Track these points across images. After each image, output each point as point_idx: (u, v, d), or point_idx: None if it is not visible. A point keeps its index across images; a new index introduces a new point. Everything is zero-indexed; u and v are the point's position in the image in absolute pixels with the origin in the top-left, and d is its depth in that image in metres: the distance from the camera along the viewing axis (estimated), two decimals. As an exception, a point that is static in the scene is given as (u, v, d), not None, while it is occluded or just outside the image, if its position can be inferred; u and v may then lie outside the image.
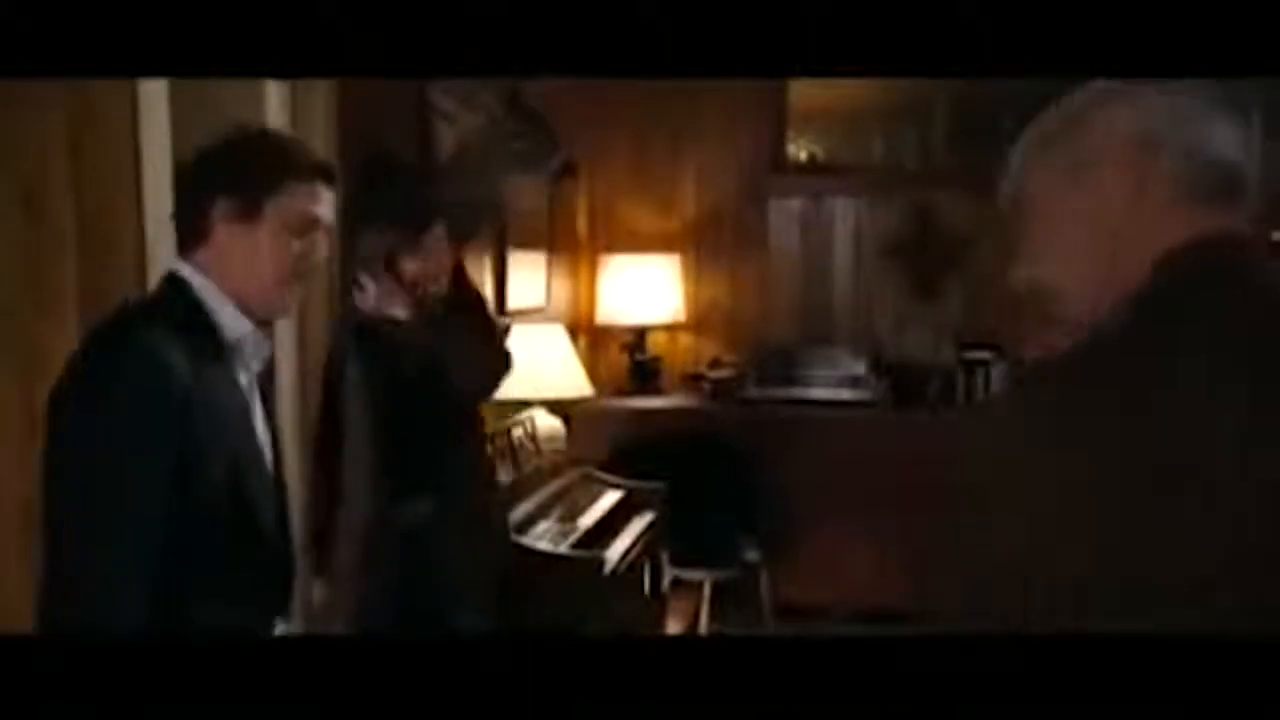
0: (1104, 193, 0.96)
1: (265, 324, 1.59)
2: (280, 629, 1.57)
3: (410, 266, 2.40)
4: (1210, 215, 0.93)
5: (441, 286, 2.44)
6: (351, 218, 2.59)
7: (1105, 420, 0.86)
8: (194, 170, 1.52)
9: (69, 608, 1.35)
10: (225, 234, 1.47)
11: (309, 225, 1.50)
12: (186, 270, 1.49)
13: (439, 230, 2.41)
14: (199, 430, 1.38)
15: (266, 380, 1.64)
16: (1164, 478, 0.83)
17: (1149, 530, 0.83)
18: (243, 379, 1.52)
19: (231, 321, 1.48)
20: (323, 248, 1.54)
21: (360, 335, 2.45)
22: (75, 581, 1.35)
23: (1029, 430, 0.91)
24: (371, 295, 2.44)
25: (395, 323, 2.44)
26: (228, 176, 1.47)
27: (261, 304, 1.51)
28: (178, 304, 1.47)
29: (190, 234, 1.50)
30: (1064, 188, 0.99)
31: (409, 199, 2.52)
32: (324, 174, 1.53)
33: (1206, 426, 0.83)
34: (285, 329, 2.69)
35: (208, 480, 1.39)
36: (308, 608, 2.57)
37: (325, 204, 1.53)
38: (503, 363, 2.66)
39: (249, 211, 1.46)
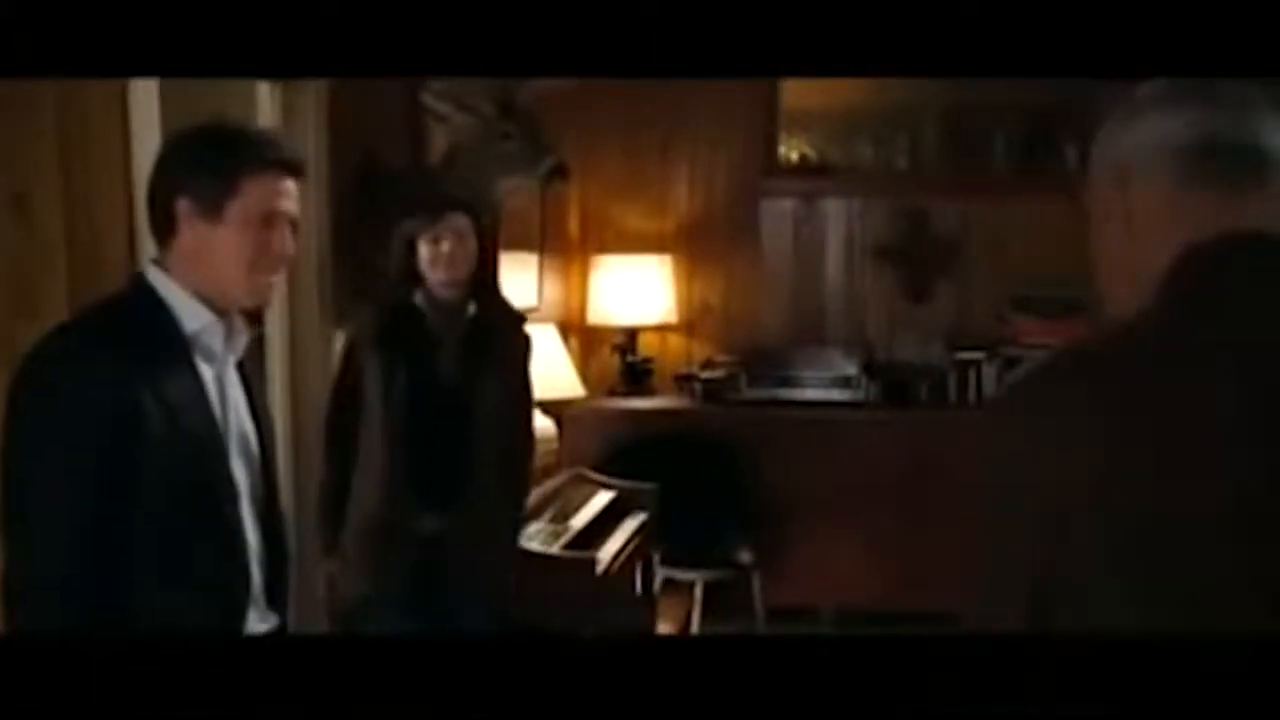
0: (1131, 197, 0.97)
1: (248, 313, 1.59)
2: (255, 619, 1.56)
3: (427, 251, 2.40)
4: (1240, 205, 0.93)
5: (460, 277, 2.42)
6: (371, 211, 2.59)
7: (1126, 415, 0.86)
8: (157, 170, 1.52)
9: (6, 605, 1.37)
10: (190, 231, 1.48)
11: (272, 220, 1.50)
12: (151, 268, 1.50)
13: (458, 219, 2.41)
14: (144, 424, 1.38)
15: (254, 370, 1.64)
16: (1176, 471, 0.83)
17: (1172, 526, 0.83)
18: (206, 371, 1.51)
19: (190, 314, 1.48)
20: (289, 240, 1.54)
21: (383, 332, 2.43)
22: (9, 579, 1.38)
23: (1047, 428, 0.91)
24: (392, 279, 2.44)
25: (418, 316, 2.43)
26: (187, 176, 1.48)
27: (229, 298, 1.52)
28: (136, 301, 1.48)
29: (159, 232, 1.51)
30: (1105, 185, 1.00)
31: (435, 190, 2.52)
32: (286, 167, 1.53)
33: (1222, 421, 0.84)
34: (277, 327, 2.69)
35: (153, 473, 1.40)
36: (307, 597, 2.56)
37: (288, 197, 1.52)
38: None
39: (210, 210, 1.47)
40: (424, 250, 2.41)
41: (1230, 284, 0.91)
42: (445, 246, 2.39)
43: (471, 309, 2.47)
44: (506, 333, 2.57)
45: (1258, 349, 0.86)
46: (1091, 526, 0.85)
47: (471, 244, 2.43)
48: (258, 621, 1.56)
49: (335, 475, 2.48)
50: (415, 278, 2.44)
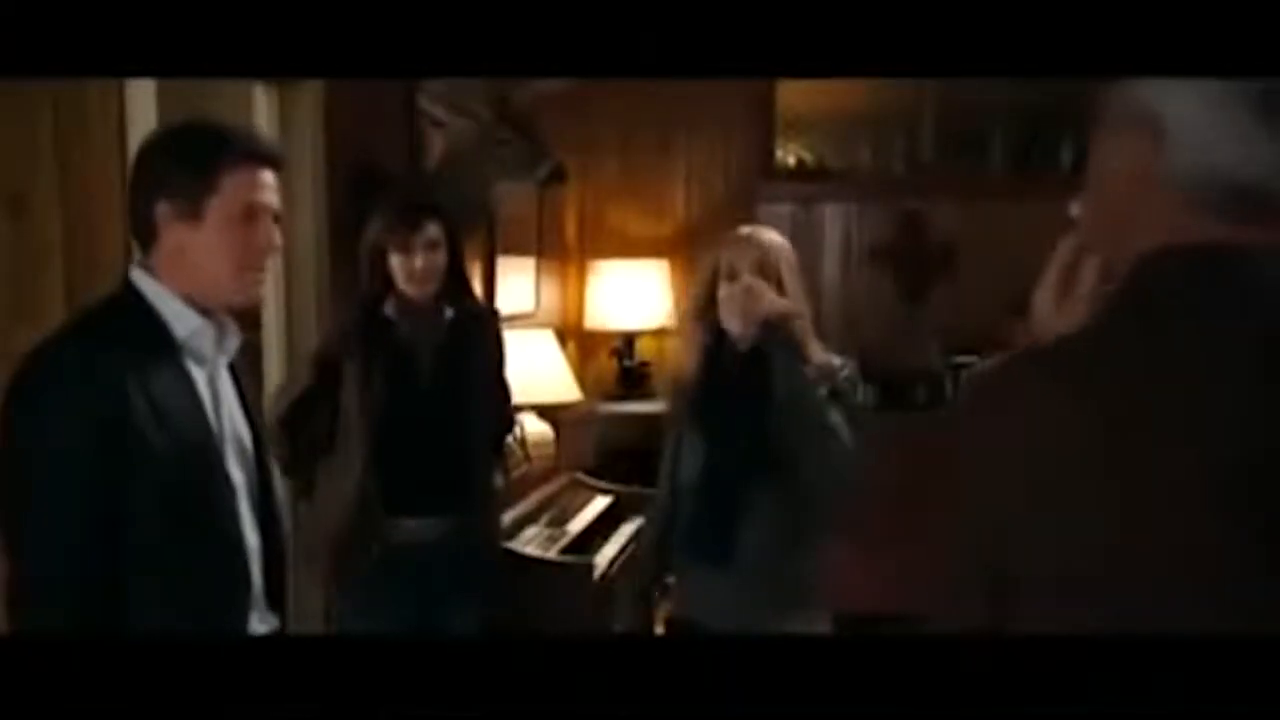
0: (1112, 166, 0.94)
1: (245, 317, 1.58)
2: (256, 619, 1.55)
3: (399, 263, 2.36)
4: (1214, 225, 0.87)
5: (432, 290, 2.39)
6: (349, 218, 2.56)
7: (1074, 415, 0.86)
8: (133, 177, 1.49)
9: (9, 607, 1.37)
10: (171, 235, 1.46)
11: (254, 214, 1.48)
12: (137, 273, 1.48)
13: (431, 229, 2.37)
14: (140, 430, 1.37)
15: (246, 372, 1.63)
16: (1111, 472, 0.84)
17: (1120, 526, 0.83)
18: (198, 374, 1.50)
19: (178, 318, 1.47)
20: (274, 234, 1.52)
21: (359, 334, 2.40)
22: (11, 583, 1.37)
23: (998, 427, 0.91)
24: (363, 289, 2.41)
25: (390, 323, 2.41)
26: (163, 179, 1.45)
27: (218, 298, 1.50)
28: (125, 308, 1.46)
29: (142, 238, 1.49)
30: (1097, 150, 0.96)
31: (404, 198, 2.49)
32: (262, 159, 1.50)
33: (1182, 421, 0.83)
34: (274, 330, 2.69)
35: (152, 477, 1.38)
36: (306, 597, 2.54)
37: (268, 190, 1.50)
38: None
39: (190, 211, 1.45)
40: (395, 261, 2.36)
41: (1198, 292, 0.88)
42: (419, 262, 2.35)
43: (442, 313, 2.43)
44: (478, 333, 2.52)
45: (1218, 359, 0.84)
46: (1049, 525, 0.85)
47: (444, 253, 2.39)
48: (258, 623, 1.56)
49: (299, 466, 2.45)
50: (386, 284, 2.39)
